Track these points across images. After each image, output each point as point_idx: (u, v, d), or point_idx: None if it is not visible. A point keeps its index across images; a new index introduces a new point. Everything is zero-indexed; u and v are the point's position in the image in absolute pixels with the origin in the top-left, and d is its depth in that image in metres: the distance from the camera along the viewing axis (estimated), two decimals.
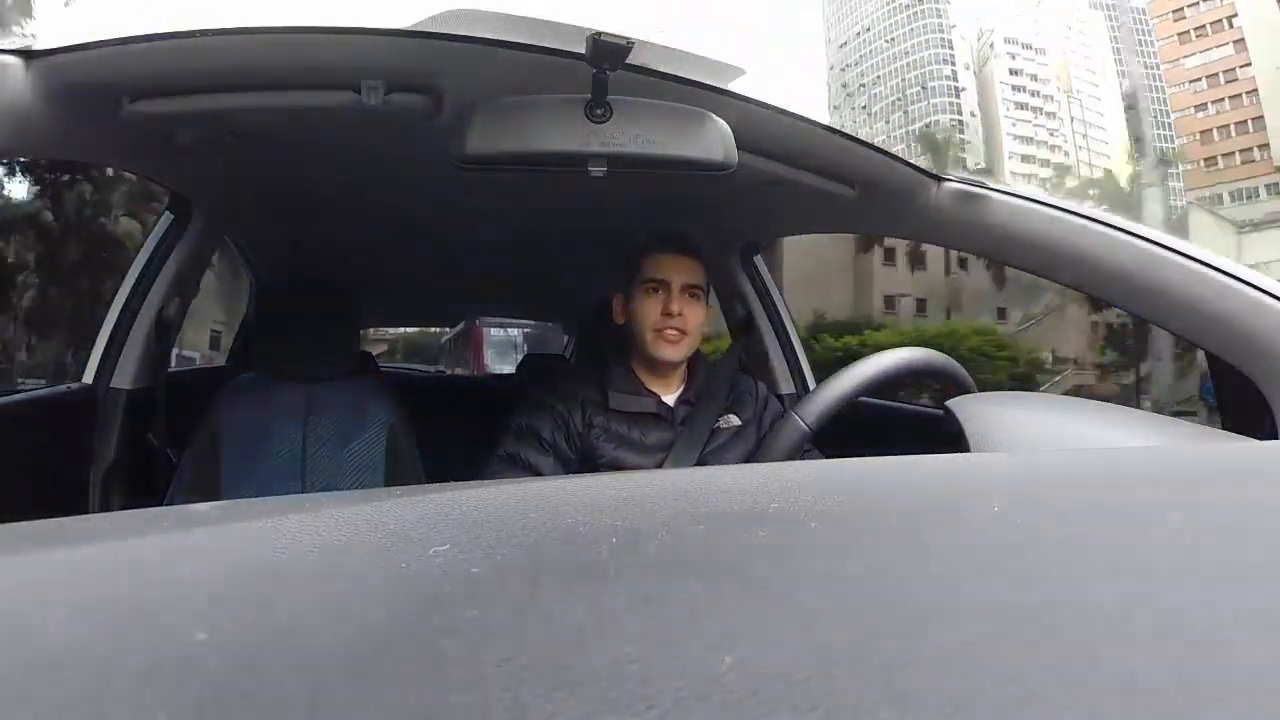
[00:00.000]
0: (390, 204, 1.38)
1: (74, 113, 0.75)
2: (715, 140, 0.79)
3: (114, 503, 1.27)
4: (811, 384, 1.51)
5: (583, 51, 0.67)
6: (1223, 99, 20.16)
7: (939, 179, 0.96)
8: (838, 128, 0.98)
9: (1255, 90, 19.78)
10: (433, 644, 0.16)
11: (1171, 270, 0.78)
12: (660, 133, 0.78)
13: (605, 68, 0.69)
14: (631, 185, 1.02)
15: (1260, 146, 19.67)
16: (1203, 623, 0.18)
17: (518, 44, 0.72)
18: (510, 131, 0.76)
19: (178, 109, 0.80)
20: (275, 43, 0.75)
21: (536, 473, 0.99)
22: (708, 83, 0.80)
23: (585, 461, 1.01)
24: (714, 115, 0.80)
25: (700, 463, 1.02)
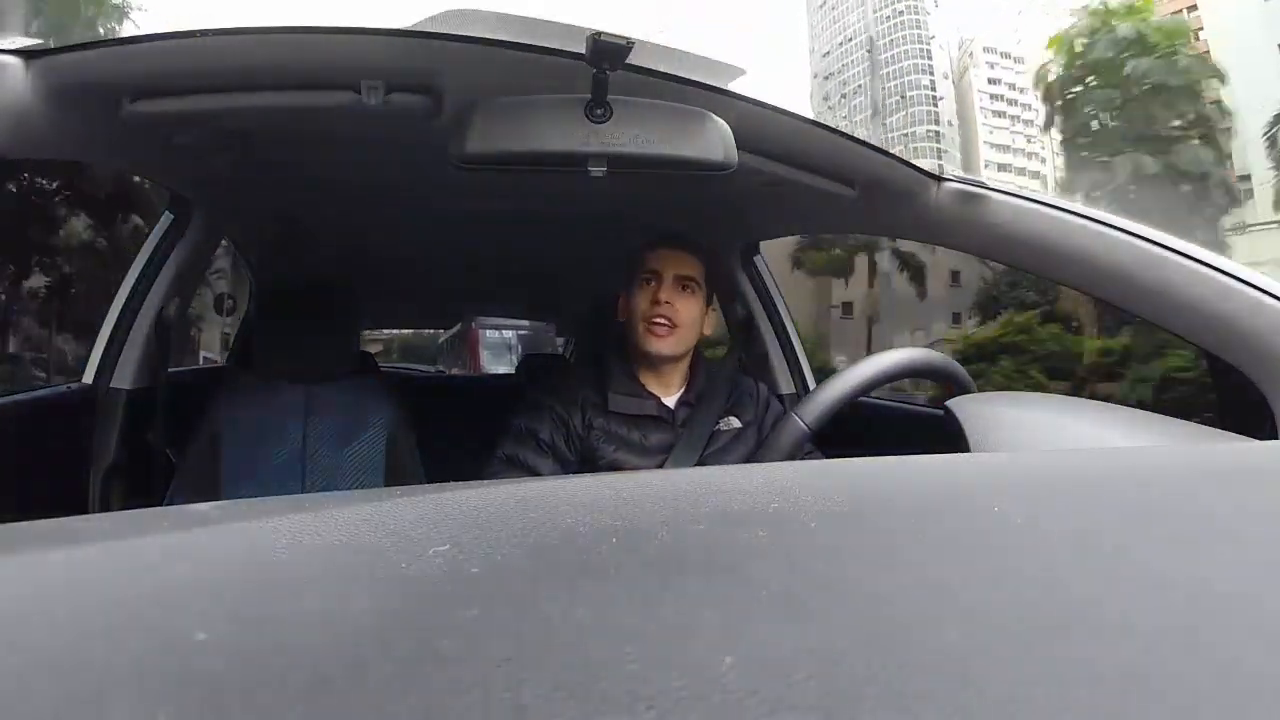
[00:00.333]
0: (390, 204, 1.38)
1: (74, 113, 0.75)
2: (715, 140, 0.79)
3: (114, 503, 1.27)
4: (812, 384, 1.51)
5: (583, 51, 0.67)
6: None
7: (939, 179, 0.96)
8: (837, 128, 0.98)
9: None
10: (433, 644, 0.16)
11: (1171, 270, 0.78)
12: (660, 133, 0.78)
13: (605, 68, 0.69)
14: (631, 185, 1.02)
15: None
16: (1203, 623, 0.18)
17: (518, 44, 0.72)
18: (510, 131, 0.76)
19: (178, 109, 0.80)
20: (275, 43, 0.75)
21: (535, 474, 0.99)
22: (708, 83, 0.80)
23: (585, 463, 1.01)
24: (714, 115, 0.80)
25: (700, 465, 1.01)
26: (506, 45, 0.72)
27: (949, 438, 0.56)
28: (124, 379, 1.30)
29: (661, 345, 1.02)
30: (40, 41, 0.71)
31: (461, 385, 3.13)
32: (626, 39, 0.65)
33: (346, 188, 1.28)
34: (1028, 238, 0.90)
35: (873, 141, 0.98)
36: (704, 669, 0.15)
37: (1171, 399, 6.54)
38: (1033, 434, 0.56)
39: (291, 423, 1.21)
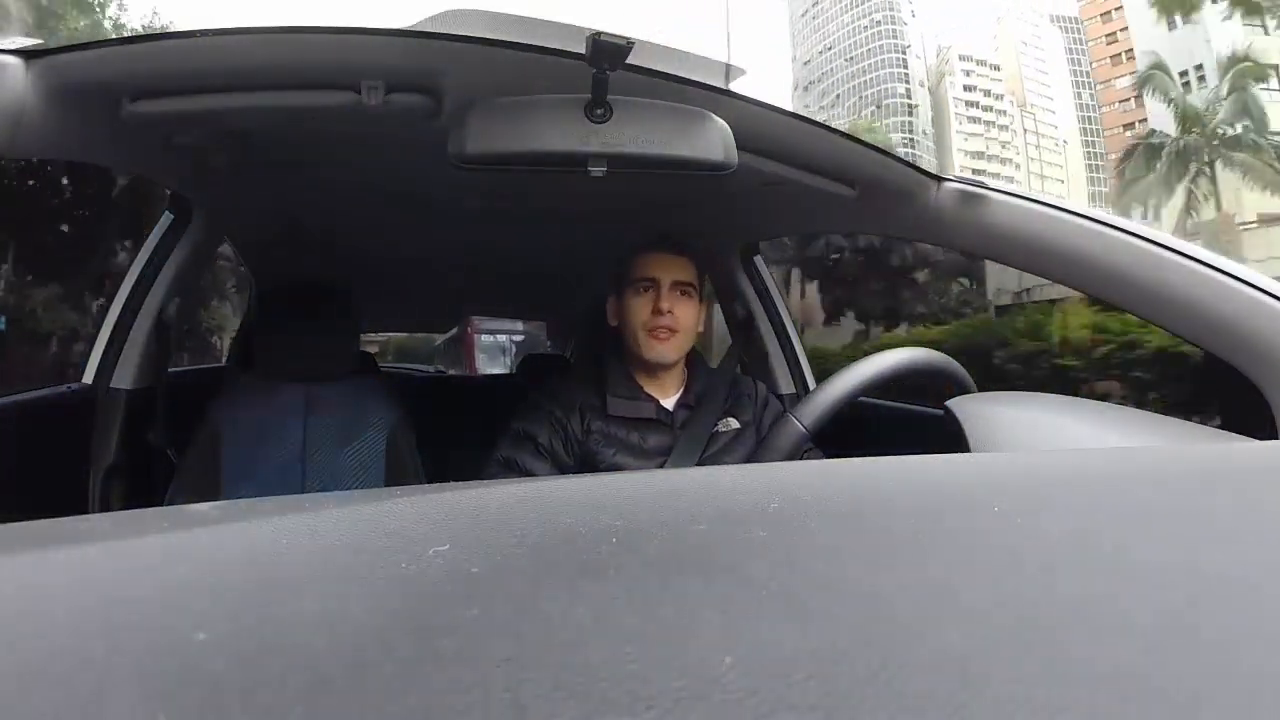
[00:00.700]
0: (390, 204, 1.38)
1: (74, 113, 0.75)
2: (715, 140, 0.79)
3: (114, 503, 1.27)
4: (812, 384, 1.51)
5: (583, 51, 0.66)
6: (1145, 118, 20.88)
7: (939, 179, 0.96)
8: (837, 127, 0.98)
9: None
10: (433, 644, 0.16)
11: (1171, 270, 0.78)
12: (660, 133, 0.78)
13: (605, 68, 0.69)
14: (631, 185, 1.02)
15: None
16: (1202, 623, 0.18)
17: (518, 44, 0.72)
18: (510, 131, 0.76)
19: (178, 109, 0.80)
20: (275, 43, 0.75)
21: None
22: (708, 83, 0.80)
23: (584, 467, 1.01)
24: (714, 115, 0.80)
25: (700, 466, 1.01)
26: (506, 45, 0.72)
27: (949, 438, 0.56)
28: (124, 379, 1.30)
29: (664, 352, 1.02)
30: (40, 41, 0.71)
31: (461, 385, 3.13)
32: (626, 39, 0.65)
33: (346, 188, 1.28)
34: (1027, 238, 0.89)
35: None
36: (704, 669, 0.15)
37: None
38: (1033, 434, 0.56)
39: (291, 423, 1.21)
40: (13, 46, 0.70)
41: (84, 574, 0.20)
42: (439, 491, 0.25)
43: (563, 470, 1.01)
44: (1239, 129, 15.01)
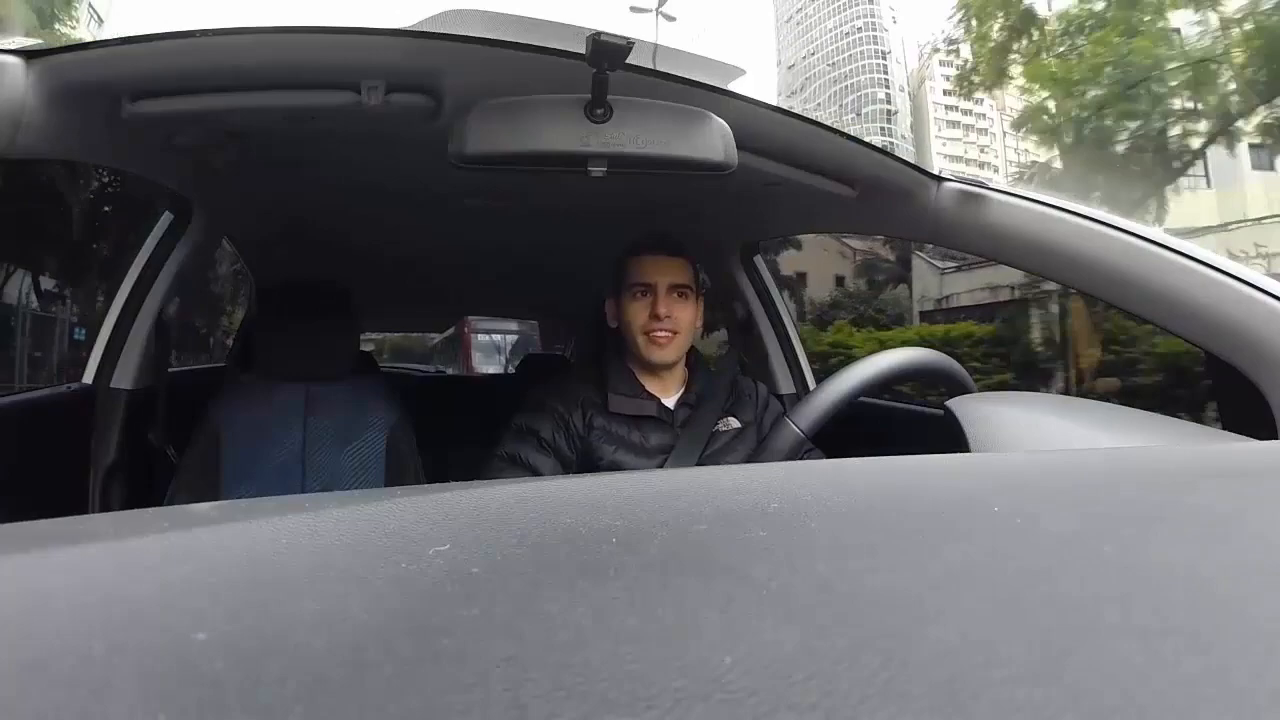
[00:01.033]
0: (391, 204, 1.38)
1: (74, 113, 0.75)
2: (715, 140, 0.79)
3: (114, 503, 1.27)
4: (812, 384, 1.51)
5: (583, 51, 0.66)
6: None
7: (939, 179, 0.96)
8: (837, 127, 0.98)
9: None
10: (433, 643, 0.16)
11: (1171, 270, 0.78)
12: (660, 133, 0.78)
13: (605, 68, 0.69)
14: (631, 185, 1.02)
15: None
16: (1202, 623, 0.18)
17: (518, 44, 0.72)
18: (510, 131, 0.76)
19: (178, 109, 0.80)
20: (275, 43, 0.75)
21: (536, 473, 0.99)
22: (708, 83, 0.80)
23: (585, 463, 1.01)
24: (714, 115, 0.80)
25: (700, 465, 1.01)
26: (506, 45, 0.72)
27: (949, 438, 0.56)
28: (124, 379, 1.30)
29: (665, 355, 1.03)
30: (40, 41, 0.71)
31: (461, 385, 3.13)
32: (626, 39, 0.65)
33: (346, 188, 1.28)
34: (1027, 238, 0.89)
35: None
36: (704, 669, 0.15)
37: None
38: (1033, 434, 0.56)
39: (291, 422, 1.21)
40: (13, 46, 0.70)
41: (84, 574, 0.20)
42: (439, 491, 0.25)
43: (565, 465, 1.01)
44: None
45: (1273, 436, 0.70)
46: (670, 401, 1.06)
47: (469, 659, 0.16)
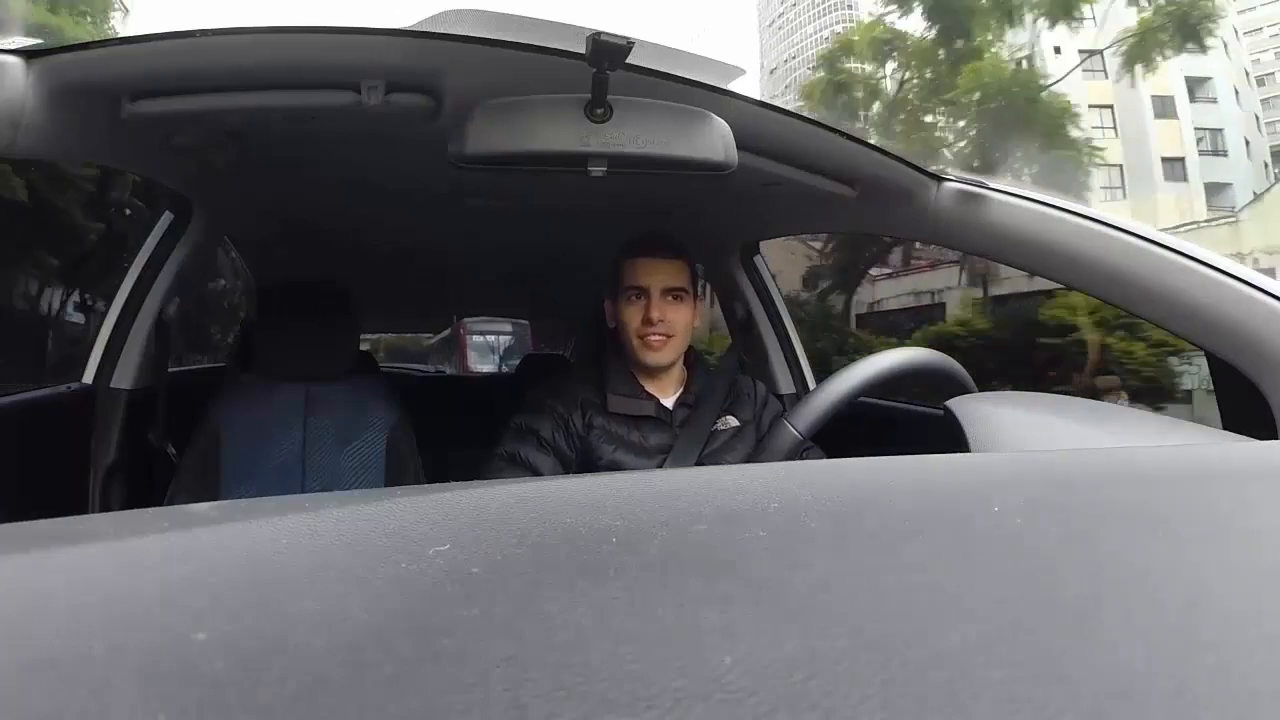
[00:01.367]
0: (391, 203, 1.38)
1: (74, 113, 0.75)
2: (715, 140, 0.79)
3: (114, 503, 1.27)
4: (812, 384, 1.51)
5: (583, 51, 0.66)
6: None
7: (939, 179, 0.96)
8: (838, 127, 0.98)
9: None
10: (433, 643, 0.16)
11: (1172, 270, 0.78)
12: (660, 133, 0.77)
13: (605, 67, 0.69)
14: (631, 185, 1.02)
15: None
16: (1202, 622, 0.18)
17: (518, 44, 0.72)
18: (510, 131, 0.76)
19: (178, 109, 0.80)
20: (275, 43, 0.75)
21: (536, 472, 0.99)
22: (708, 83, 0.80)
23: (585, 463, 1.01)
24: (714, 115, 0.79)
25: (700, 465, 1.01)
26: (506, 45, 0.72)
27: (949, 438, 0.56)
28: (124, 379, 1.30)
29: (659, 358, 1.03)
30: (40, 41, 0.71)
31: (461, 385, 3.13)
32: (626, 39, 0.65)
33: (347, 187, 1.28)
34: (1028, 238, 0.89)
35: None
36: (704, 669, 0.15)
37: None
38: (1033, 434, 0.56)
39: (291, 422, 1.21)
40: (13, 46, 0.70)
41: (84, 574, 0.20)
42: (439, 491, 0.25)
43: (566, 464, 1.01)
44: None
45: (1273, 436, 0.70)
46: (669, 401, 1.06)
47: (469, 659, 0.16)
